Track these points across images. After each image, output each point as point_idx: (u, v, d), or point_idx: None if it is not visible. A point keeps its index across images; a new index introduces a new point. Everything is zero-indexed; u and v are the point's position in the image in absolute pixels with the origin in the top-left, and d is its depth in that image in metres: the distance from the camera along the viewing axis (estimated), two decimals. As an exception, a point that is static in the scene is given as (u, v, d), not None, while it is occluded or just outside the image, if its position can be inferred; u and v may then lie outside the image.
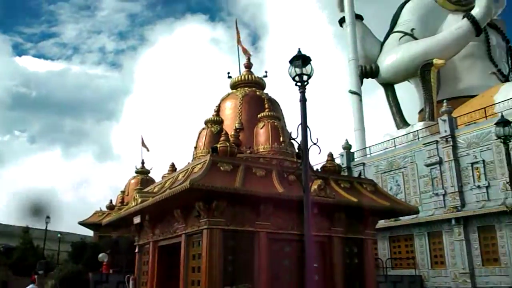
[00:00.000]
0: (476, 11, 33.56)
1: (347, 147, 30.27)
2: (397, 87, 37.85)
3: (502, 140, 8.59)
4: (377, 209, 13.08)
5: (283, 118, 14.86)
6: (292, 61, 8.21)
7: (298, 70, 8.03)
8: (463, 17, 34.36)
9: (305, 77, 8.08)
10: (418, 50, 33.90)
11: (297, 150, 15.51)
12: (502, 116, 9.14)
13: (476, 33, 33.91)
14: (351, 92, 36.11)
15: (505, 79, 34.71)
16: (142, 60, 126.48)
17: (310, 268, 7.61)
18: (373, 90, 41.66)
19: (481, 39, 35.75)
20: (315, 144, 7.74)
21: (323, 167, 14.02)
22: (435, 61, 33.02)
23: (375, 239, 13.93)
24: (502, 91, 26.48)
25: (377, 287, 15.60)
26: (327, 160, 14.52)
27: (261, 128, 14.15)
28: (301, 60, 8.08)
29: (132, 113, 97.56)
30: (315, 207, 12.18)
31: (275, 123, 13.74)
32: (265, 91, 15.11)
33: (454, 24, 34.67)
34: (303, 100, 8.24)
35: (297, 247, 11.32)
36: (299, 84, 7.93)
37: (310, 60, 8.25)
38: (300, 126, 7.74)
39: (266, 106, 14.33)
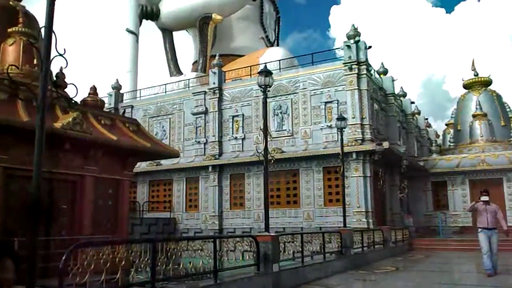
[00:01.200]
0: (255, -24, 35.70)
1: (117, 87, 28.83)
2: (175, 34, 37.76)
3: (262, 90, 9.08)
4: (138, 150, 12.65)
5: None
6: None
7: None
8: (244, -21, 36.08)
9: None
10: (199, 2, 34.22)
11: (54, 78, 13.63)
12: (265, 66, 9.70)
13: (253, -4, 36.24)
14: (128, 31, 34.35)
15: (271, 45, 38.27)
16: None
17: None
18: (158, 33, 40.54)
19: (257, 4, 38.35)
20: (61, 55, 6.59)
21: (83, 101, 12.73)
22: (214, 15, 33.96)
23: (133, 181, 13.58)
24: (267, 53, 29.12)
25: (129, 229, 15.43)
26: (89, 94, 13.24)
27: (10, 45, 11.91)
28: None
29: None
30: (67, 142, 10.94)
31: (30, 42, 11.68)
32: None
33: (236, -16, 36.08)
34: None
35: (45, 185, 10.04)
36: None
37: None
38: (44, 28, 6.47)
39: (21, 20, 12.06)
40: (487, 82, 32.33)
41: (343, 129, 15.04)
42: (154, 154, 13.45)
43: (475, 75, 32.43)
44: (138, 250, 5.97)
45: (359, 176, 20.09)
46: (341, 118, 14.66)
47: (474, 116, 30.68)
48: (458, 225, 26.58)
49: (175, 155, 13.65)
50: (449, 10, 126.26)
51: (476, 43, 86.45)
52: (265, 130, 8.98)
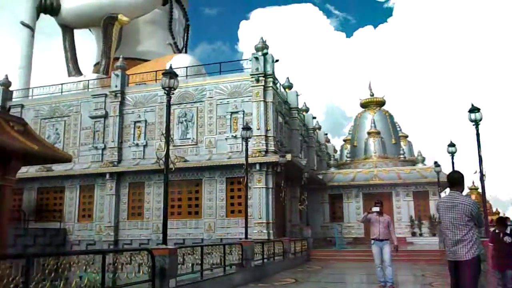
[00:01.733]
0: (166, -21, 34.91)
1: (5, 83, 26.17)
2: (77, 33, 35.47)
3: (166, 92, 8.59)
4: (22, 153, 11.33)
5: None
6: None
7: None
8: (155, -18, 35.10)
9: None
10: (106, 1, 32.57)
11: None
12: (171, 67, 9.21)
13: (162, 1, 35.33)
14: (23, 24, 31.54)
15: (179, 52, 37.54)
16: None
17: None
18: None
19: (166, 9, 37.50)
20: None
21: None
22: (120, 16, 32.49)
23: (14, 188, 12.14)
24: (174, 59, 28.36)
25: (11, 240, 13.79)
26: (-33, 87, 11.65)
27: None
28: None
29: None
30: None
31: None
32: None
33: (146, -14, 34.97)
34: None
35: None
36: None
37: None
38: None
39: None
40: (381, 102, 34.78)
41: (248, 139, 14.94)
42: (42, 158, 12.16)
43: (371, 95, 34.73)
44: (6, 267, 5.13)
45: (262, 187, 20.18)
46: (246, 128, 14.57)
47: (369, 133, 32.71)
48: (352, 236, 27.97)
49: (67, 159, 12.47)
50: (349, 35, 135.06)
51: (372, 65, 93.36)
52: (167, 135, 8.49)
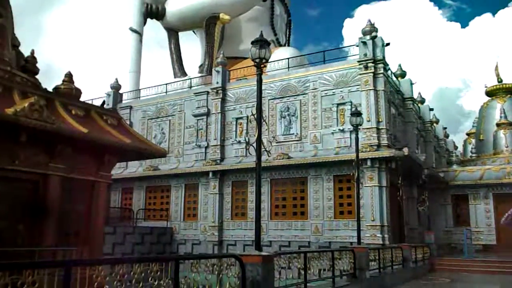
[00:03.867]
0: (265, -24, 34.09)
1: (116, 87, 27.18)
2: (182, 35, 36.20)
3: (256, 65, 7.19)
4: (115, 146, 10.73)
5: (11, 16, 11.03)
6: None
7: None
8: (256, -22, 34.51)
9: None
10: (207, 1, 32.62)
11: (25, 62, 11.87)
12: (262, 34, 7.83)
13: (263, -3, 34.59)
14: (132, 30, 32.77)
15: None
16: None
17: None
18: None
19: (267, 6, 36.69)
20: None
21: (55, 88, 10.90)
22: (221, 15, 32.31)
23: (110, 183, 11.69)
24: (276, 53, 27.26)
25: (102, 238, 13.50)
26: (63, 81, 11.40)
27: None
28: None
29: None
30: (23, 133, 9.10)
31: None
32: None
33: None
34: None
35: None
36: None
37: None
38: None
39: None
40: (512, 89, 30.12)
41: (358, 129, 13.00)
42: (136, 152, 11.51)
43: (499, 82, 30.23)
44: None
45: (374, 185, 17.97)
46: (356, 114, 12.67)
47: (498, 125, 28.43)
48: (481, 243, 24.31)
49: (161, 154, 11.72)
50: (464, 25, 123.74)
51: (494, 55, 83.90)
52: (259, 115, 7.06)
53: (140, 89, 27.82)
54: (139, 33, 32.87)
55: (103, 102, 23.16)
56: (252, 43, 7.62)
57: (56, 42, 78.81)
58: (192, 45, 39.50)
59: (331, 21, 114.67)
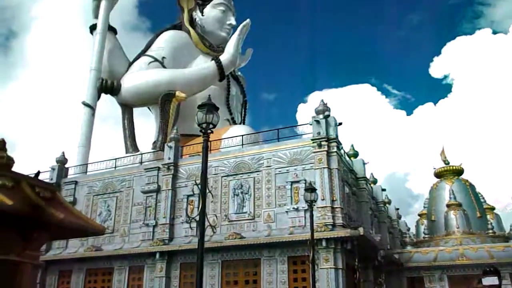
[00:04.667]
0: (224, 57, 35.00)
1: (62, 160, 25.89)
2: (137, 112, 35.84)
3: (202, 130, 6.67)
4: (44, 222, 9.61)
5: None
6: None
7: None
8: (211, 59, 35.38)
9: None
10: (163, 78, 32.79)
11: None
12: (209, 98, 7.40)
13: (219, 77, 35.15)
14: (84, 104, 32.15)
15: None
16: None
17: None
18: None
19: (223, 85, 37.30)
20: None
21: (-18, 157, 9.85)
22: (177, 93, 32.38)
23: (39, 264, 10.36)
24: (230, 130, 27.21)
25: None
26: (-6, 150, 10.40)
27: None
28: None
29: None
30: None
31: None
32: None
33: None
34: None
35: None
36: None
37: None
38: None
39: None
40: (459, 171, 31.15)
41: (312, 206, 12.52)
42: (70, 230, 10.37)
43: (446, 163, 31.29)
44: None
45: (330, 267, 17.18)
46: (310, 189, 12.24)
47: (448, 205, 28.94)
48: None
49: (99, 231, 10.56)
50: (409, 112, 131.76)
51: (437, 140, 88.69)
52: (204, 183, 6.43)
53: (87, 164, 26.62)
54: (92, 108, 32.22)
55: (38, 173, 21.62)
56: (199, 107, 7.18)
57: (10, 115, 76.71)
58: (147, 122, 39.17)
59: (285, 105, 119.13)
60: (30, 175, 13.57)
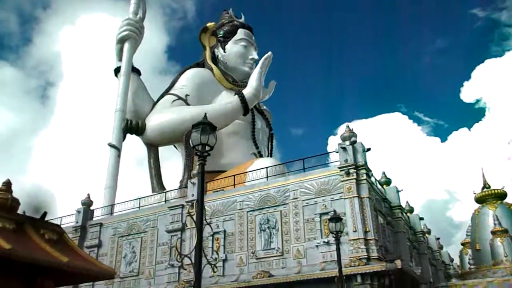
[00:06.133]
0: (247, 91, 34.74)
1: (87, 203, 25.61)
2: (162, 151, 35.71)
3: (198, 153, 5.95)
4: (48, 267, 8.94)
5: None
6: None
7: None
8: (235, 94, 35.16)
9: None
10: (187, 115, 32.59)
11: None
12: (205, 116, 6.65)
13: (243, 111, 34.77)
14: (110, 145, 32.21)
15: (263, 159, 35.82)
16: None
17: None
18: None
19: (248, 120, 36.89)
20: None
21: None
22: (202, 129, 32.13)
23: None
24: (255, 163, 26.44)
25: None
26: (-1, 191, 9.94)
27: None
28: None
29: None
30: None
31: None
32: None
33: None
34: None
35: None
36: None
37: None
38: None
39: None
40: (502, 195, 29.13)
41: (339, 237, 11.43)
42: (77, 274, 9.68)
43: (487, 187, 29.37)
44: None
45: (367, 307, 15.78)
46: (335, 219, 11.18)
47: (493, 232, 26.88)
48: None
49: (109, 275, 9.88)
50: (444, 139, 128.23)
51: (474, 165, 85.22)
52: (201, 207, 5.62)
53: (112, 205, 26.21)
54: (118, 149, 32.22)
55: (44, 214, 21.41)
56: (193, 126, 6.48)
57: (43, 162, 78.74)
58: (175, 161, 38.92)
59: (314, 139, 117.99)
60: (35, 217, 12.88)
